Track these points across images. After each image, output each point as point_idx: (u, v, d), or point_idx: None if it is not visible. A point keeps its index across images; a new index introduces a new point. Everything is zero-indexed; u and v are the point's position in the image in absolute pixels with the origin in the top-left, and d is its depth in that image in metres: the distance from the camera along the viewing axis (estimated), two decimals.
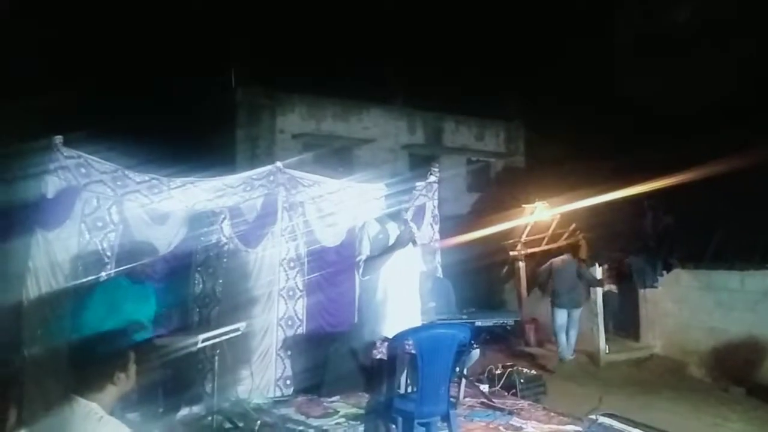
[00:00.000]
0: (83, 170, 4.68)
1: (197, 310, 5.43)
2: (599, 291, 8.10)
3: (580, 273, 7.72)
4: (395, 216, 3.71)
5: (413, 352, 3.31)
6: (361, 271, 3.58)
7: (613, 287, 8.53)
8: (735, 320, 7.21)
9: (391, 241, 3.57)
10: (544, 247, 9.51)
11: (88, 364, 2.11)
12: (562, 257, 7.96)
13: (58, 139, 4.53)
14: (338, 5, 14.66)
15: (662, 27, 11.95)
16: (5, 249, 4.50)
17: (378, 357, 3.52)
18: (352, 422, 4.71)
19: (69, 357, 4.10)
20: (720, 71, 10.10)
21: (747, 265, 7.17)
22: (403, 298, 3.62)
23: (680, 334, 7.98)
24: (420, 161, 14.21)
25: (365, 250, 3.57)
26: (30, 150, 4.70)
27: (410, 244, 3.61)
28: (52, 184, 4.50)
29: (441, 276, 6.38)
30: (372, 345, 3.53)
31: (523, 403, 5.35)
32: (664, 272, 8.21)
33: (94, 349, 2.18)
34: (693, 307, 7.83)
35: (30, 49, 11.86)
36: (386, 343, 3.48)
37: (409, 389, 3.81)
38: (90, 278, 4.53)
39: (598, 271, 8.16)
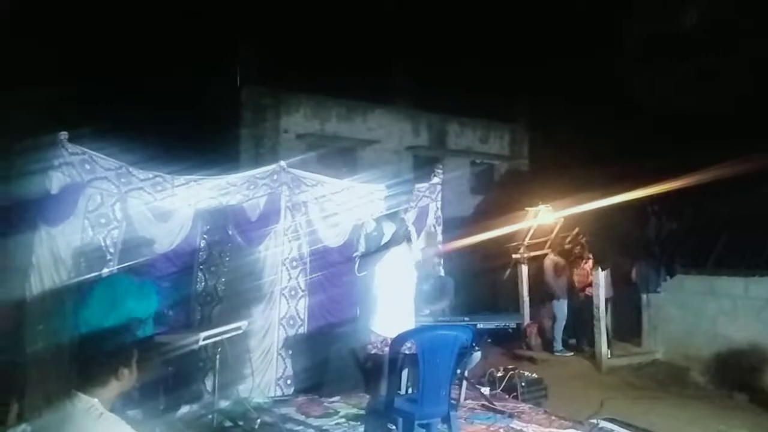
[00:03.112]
0: (87, 167, 4.69)
1: (199, 308, 5.44)
2: (601, 296, 8.08)
3: None
4: (393, 215, 3.76)
5: (414, 352, 3.31)
6: (357, 266, 3.64)
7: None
8: (738, 327, 7.16)
9: (386, 239, 3.62)
10: (546, 251, 9.47)
11: (90, 360, 2.11)
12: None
13: (63, 135, 4.55)
14: (345, 6, 14.68)
15: (668, 30, 11.92)
16: (9, 244, 4.51)
17: (372, 351, 3.56)
18: (352, 422, 4.70)
19: (71, 352, 4.11)
20: (726, 76, 10.06)
21: (751, 272, 7.13)
22: (397, 294, 3.67)
23: (683, 340, 7.94)
24: (424, 163, 14.20)
25: (361, 247, 3.66)
26: (34, 146, 4.71)
27: (405, 242, 3.64)
28: (56, 180, 4.52)
29: (443, 275, 6.37)
30: (366, 339, 3.58)
31: (524, 407, 5.34)
32: (668, 277, 8.17)
33: (96, 345, 2.18)
34: (696, 313, 7.79)
35: (35, 44, 11.90)
36: (380, 338, 3.53)
37: (410, 390, 3.81)
38: (92, 274, 4.53)
39: (602, 276, 8.14)
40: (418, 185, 6.83)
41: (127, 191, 4.90)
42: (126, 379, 2.12)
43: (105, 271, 4.66)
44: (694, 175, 7.51)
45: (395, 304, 3.64)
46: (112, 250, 4.78)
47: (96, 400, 2.02)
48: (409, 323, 3.64)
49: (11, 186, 4.62)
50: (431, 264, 5.46)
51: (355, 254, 3.75)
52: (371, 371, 3.69)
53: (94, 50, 13.61)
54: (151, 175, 5.05)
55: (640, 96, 11.55)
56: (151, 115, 12.01)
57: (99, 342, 2.20)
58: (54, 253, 4.44)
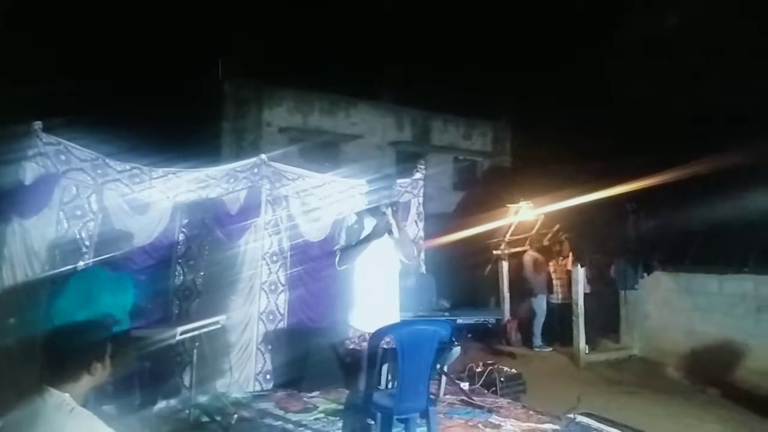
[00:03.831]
0: (63, 157, 4.60)
1: (177, 302, 5.38)
2: (580, 292, 8.17)
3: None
4: (374, 209, 3.69)
5: (393, 347, 3.30)
6: (337, 260, 3.60)
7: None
8: (713, 323, 7.31)
9: (367, 233, 3.57)
10: (527, 247, 9.55)
11: (62, 355, 2.07)
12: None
13: (38, 124, 4.44)
14: (330, 0, 14.62)
15: (649, 32, 12.06)
16: None
17: (351, 347, 3.54)
18: (331, 417, 4.69)
19: (43, 347, 4.02)
20: (708, 77, 10.21)
21: (725, 269, 7.27)
22: (378, 289, 3.62)
23: (659, 336, 8.08)
24: (407, 158, 14.22)
25: (342, 241, 3.61)
26: (8, 135, 4.59)
27: (387, 235, 3.59)
28: (30, 171, 4.41)
29: (424, 272, 6.38)
30: (345, 334, 3.56)
31: (503, 401, 5.38)
32: (645, 274, 8.30)
33: (69, 339, 2.14)
34: (672, 310, 7.92)
35: (10, 33, 11.61)
36: (357, 333, 3.51)
37: (389, 385, 3.81)
38: (67, 267, 4.45)
39: (581, 272, 8.22)
40: (400, 181, 6.82)
41: (103, 183, 4.81)
42: (99, 374, 2.08)
43: (80, 264, 4.57)
44: (672, 174, 7.62)
45: (374, 299, 3.60)
46: (87, 242, 4.69)
47: (67, 395, 1.99)
48: (391, 318, 3.59)
49: None
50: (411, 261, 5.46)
51: (336, 247, 3.69)
52: (350, 366, 3.67)
53: (72, 39, 13.34)
54: (128, 167, 4.96)
55: (622, 95, 11.67)
56: (131, 107, 11.82)
57: (71, 336, 2.15)
58: (27, 246, 4.34)
